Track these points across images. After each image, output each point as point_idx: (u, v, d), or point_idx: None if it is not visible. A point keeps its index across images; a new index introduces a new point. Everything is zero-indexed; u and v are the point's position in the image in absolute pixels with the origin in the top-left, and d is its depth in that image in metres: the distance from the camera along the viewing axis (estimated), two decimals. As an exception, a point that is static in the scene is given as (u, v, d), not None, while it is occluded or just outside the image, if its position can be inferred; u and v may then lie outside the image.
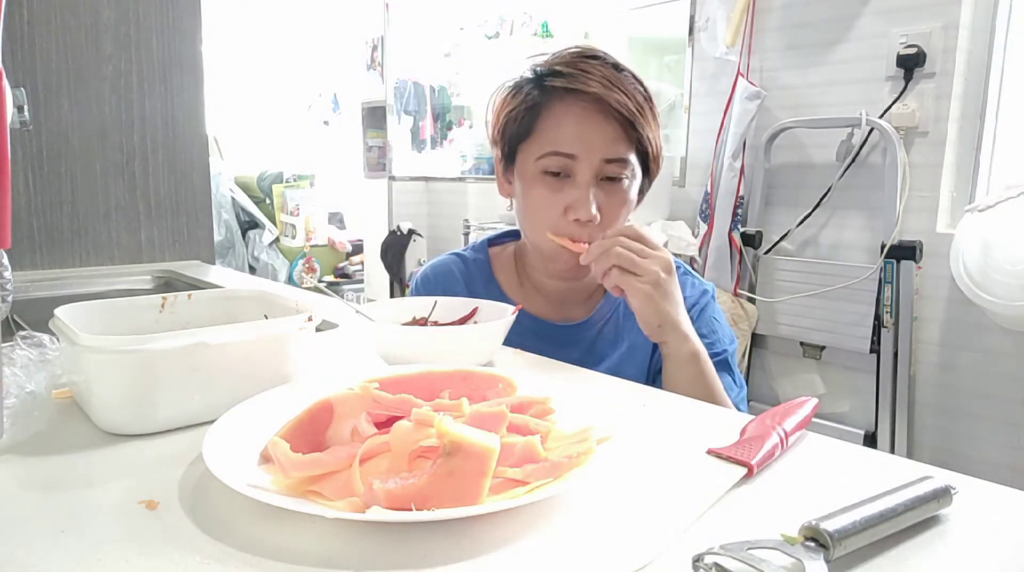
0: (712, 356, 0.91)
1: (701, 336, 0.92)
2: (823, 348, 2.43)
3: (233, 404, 0.57)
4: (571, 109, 0.89)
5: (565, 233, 0.91)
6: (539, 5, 3.45)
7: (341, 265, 4.86)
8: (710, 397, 0.85)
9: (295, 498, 0.46)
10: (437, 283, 1.06)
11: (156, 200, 1.68)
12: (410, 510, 0.42)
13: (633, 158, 0.91)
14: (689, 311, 0.93)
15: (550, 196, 0.90)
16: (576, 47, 0.94)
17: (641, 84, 0.92)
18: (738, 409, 0.92)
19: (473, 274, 1.06)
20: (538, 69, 0.93)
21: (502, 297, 1.02)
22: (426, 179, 4.24)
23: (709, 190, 2.60)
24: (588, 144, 0.88)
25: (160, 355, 0.58)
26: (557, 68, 0.90)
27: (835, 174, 2.30)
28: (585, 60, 0.90)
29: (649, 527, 0.44)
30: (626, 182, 0.92)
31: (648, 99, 0.92)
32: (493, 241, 1.10)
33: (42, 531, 0.44)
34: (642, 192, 0.98)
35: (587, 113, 0.88)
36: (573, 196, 0.89)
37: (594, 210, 0.88)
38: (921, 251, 2.15)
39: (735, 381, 0.97)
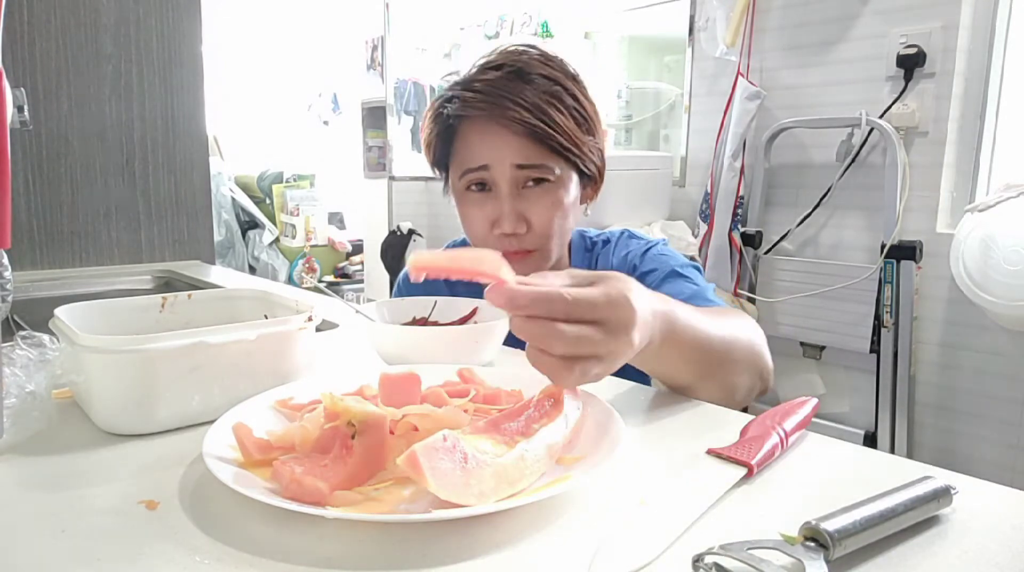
0: (665, 275, 0.91)
1: (646, 273, 0.93)
2: (823, 348, 2.43)
3: (233, 404, 0.57)
4: (475, 126, 0.90)
5: (498, 249, 0.90)
6: (539, 5, 3.45)
7: (341, 265, 4.86)
8: (726, 345, 0.68)
9: (295, 499, 0.46)
10: (417, 286, 1.06)
11: (156, 200, 1.68)
12: (347, 489, 0.46)
13: (552, 161, 0.89)
14: (635, 265, 0.96)
15: (475, 212, 0.92)
16: (491, 54, 0.92)
17: (556, 83, 0.88)
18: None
19: None
20: (445, 93, 0.93)
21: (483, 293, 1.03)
22: (426, 179, 4.23)
23: (709, 190, 2.60)
24: (496, 154, 0.88)
25: (160, 355, 0.58)
26: (452, 94, 0.91)
27: (835, 174, 2.30)
28: (485, 73, 0.89)
29: (649, 527, 0.44)
30: (552, 185, 0.90)
31: (555, 101, 0.87)
32: None
33: (42, 531, 0.44)
34: (593, 194, 0.99)
35: (489, 126, 0.88)
36: (496, 210, 0.90)
37: (516, 221, 0.89)
38: (921, 251, 2.15)
39: (694, 283, 0.90)
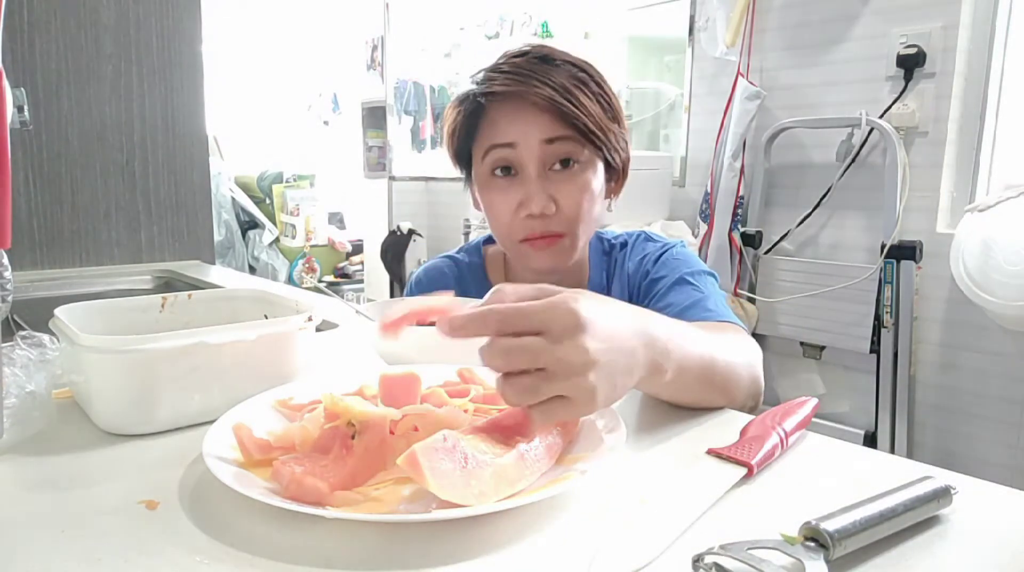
0: (672, 282, 0.90)
1: (657, 280, 0.92)
2: (823, 348, 2.43)
3: (233, 404, 0.57)
4: (502, 107, 0.89)
5: (524, 232, 0.89)
6: (539, 5, 3.45)
7: (341, 265, 4.86)
8: (724, 371, 0.66)
9: (295, 499, 0.46)
10: (430, 287, 1.06)
11: (156, 200, 1.68)
12: (348, 490, 0.46)
13: (580, 140, 0.88)
14: (647, 270, 0.95)
15: (501, 197, 0.90)
16: (516, 49, 0.93)
17: (581, 70, 0.89)
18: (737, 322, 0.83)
19: (465, 276, 1.06)
20: (470, 81, 0.93)
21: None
22: (426, 179, 4.24)
23: (709, 190, 2.59)
24: (524, 130, 0.87)
25: (160, 355, 0.58)
26: (479, 76, 0.91)
27: (835, 174, 2.30)
28: (510, 60, 0.90)
29: (649, 527, 0.44)
30: (580, 167, 0.89)
31: (581, 85, 0.88)
32: (488, 241, 1.10)
33: (42, 531, 0.44)
34: (617, 188, 0.98)
35: (517, 107, 0.88)
36: (523, 191, 0.88)
37: (545, 201, 0.87)
38: (921, 251, 2.15)
39: (700, 289, 0.89)
